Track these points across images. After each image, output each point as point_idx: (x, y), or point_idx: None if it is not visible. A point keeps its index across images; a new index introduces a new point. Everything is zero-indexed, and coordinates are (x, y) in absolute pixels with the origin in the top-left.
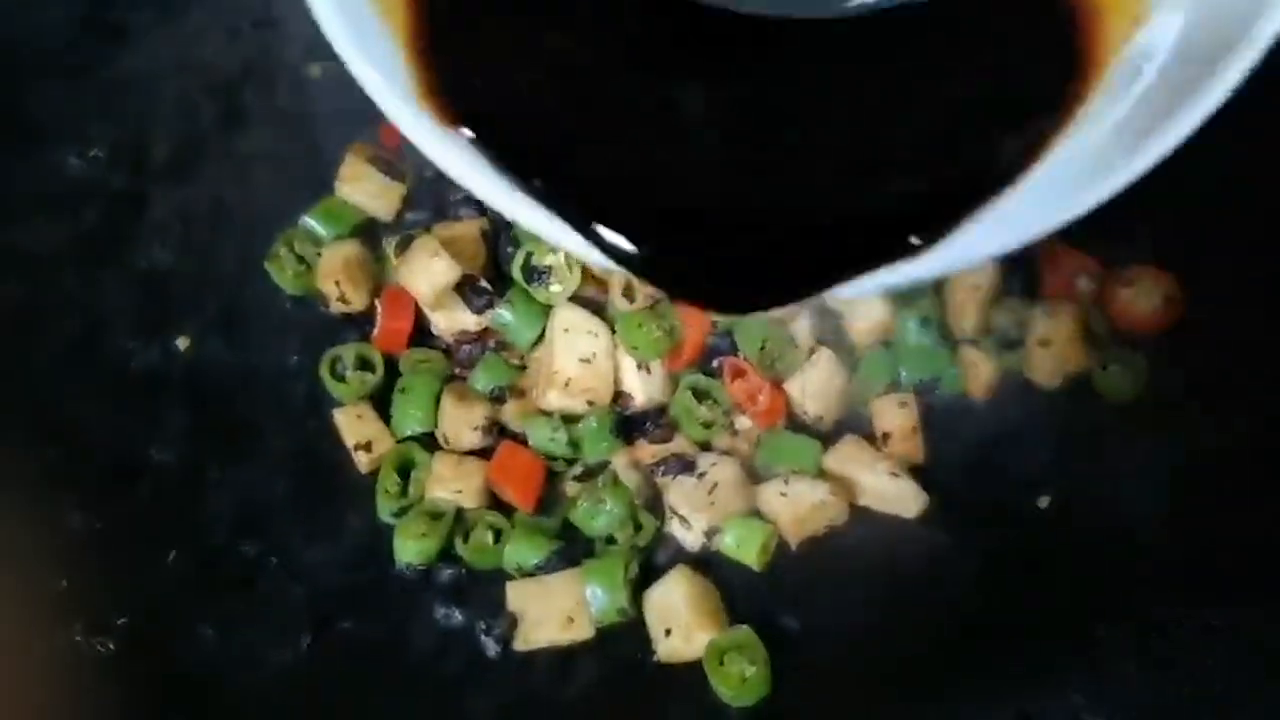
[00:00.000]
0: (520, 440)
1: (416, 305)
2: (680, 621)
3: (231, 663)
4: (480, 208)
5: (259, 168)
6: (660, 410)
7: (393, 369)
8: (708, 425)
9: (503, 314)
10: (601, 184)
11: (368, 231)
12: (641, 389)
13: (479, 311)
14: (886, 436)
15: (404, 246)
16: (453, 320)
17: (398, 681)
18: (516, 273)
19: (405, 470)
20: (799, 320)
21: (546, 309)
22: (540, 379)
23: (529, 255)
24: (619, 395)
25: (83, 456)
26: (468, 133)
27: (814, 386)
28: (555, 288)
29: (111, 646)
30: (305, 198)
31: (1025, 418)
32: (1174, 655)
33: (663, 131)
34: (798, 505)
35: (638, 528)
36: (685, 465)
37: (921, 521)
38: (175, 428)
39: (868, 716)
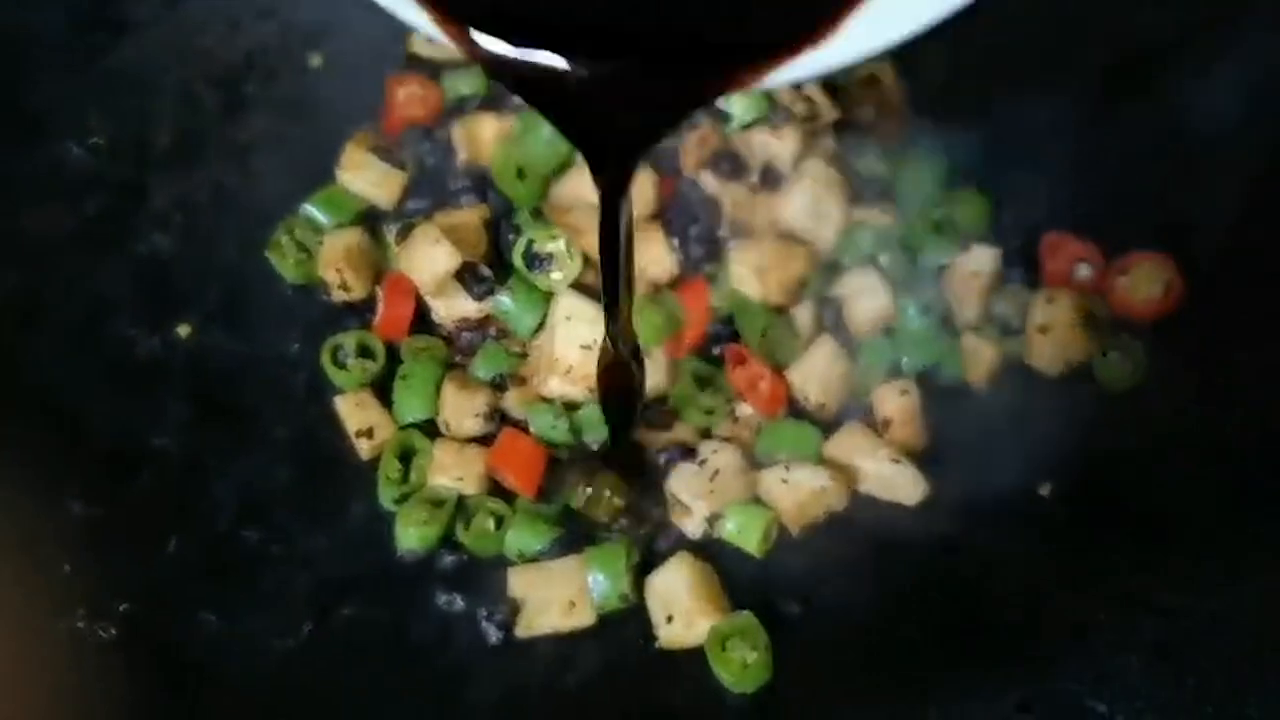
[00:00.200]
0: (521, 427)
1: (417, 293)
2: (682, 608)
3: (233, 649)
4: (482, 195)
5: (260, 156)
6: (661, 398)
7: (394, 356)
8: (709, 412)
9: (504, 301)
10: None
11: (368, 219)
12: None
13: (480, 299)
14: (887, 423)
15: (405, 234)
16: (453, 307)
17: (399, 668)
18: (518, 260)
19: (406, 457)
20: (800, 308)
21: (547, 296)
22: (541, 366)
23: (530, 243)
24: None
25: (85, 444)
26: None
27: (815, 374)
28: (556, 275)
29: (113, 632)
30: (306, 186)
31: (1026, 404)
32: (1175, 643)
33: None
34: (799, 492)
35: (639, 515)
36: (686, 452)
37: (922, 508)
38: (177, 415)
39: (869, 702)
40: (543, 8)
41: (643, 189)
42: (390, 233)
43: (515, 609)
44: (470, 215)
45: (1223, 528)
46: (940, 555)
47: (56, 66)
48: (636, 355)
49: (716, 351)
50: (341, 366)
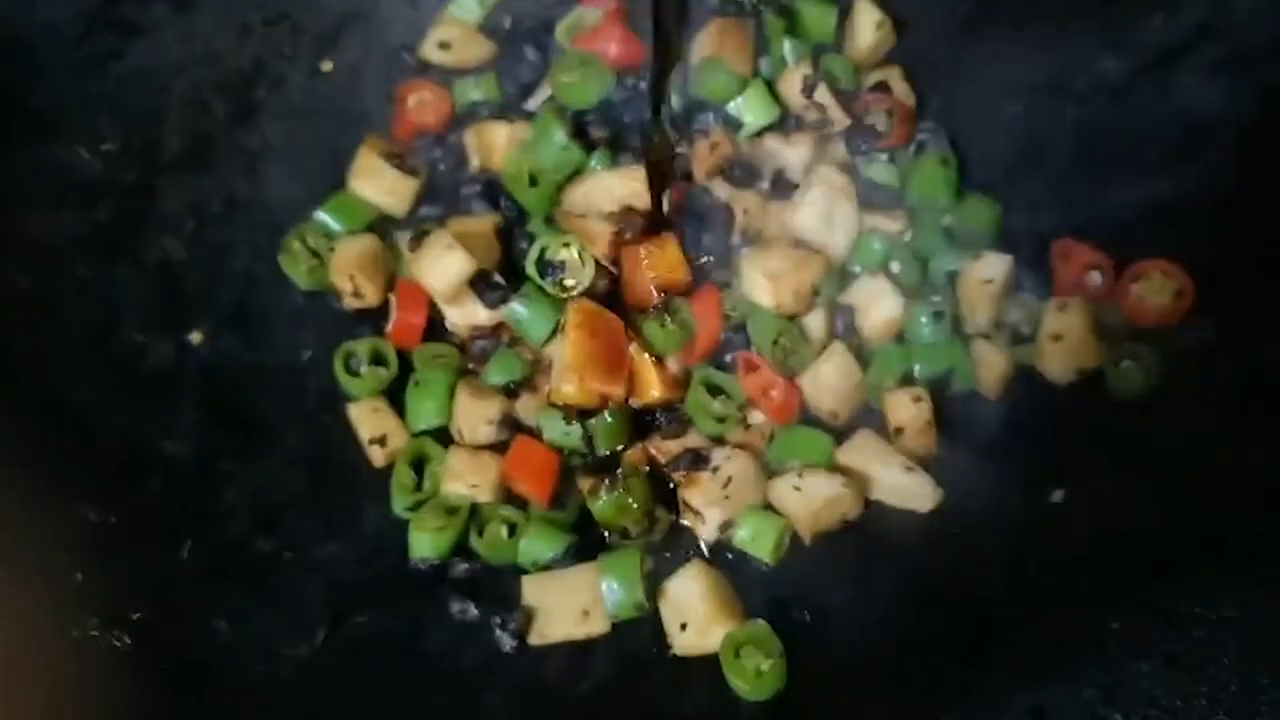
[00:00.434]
0: (534, 434)
1: (430, 300)
2: (696, 615)
3: (247, 656)
4: (494, 202)
5: (271, 163)
6: (674, 405)
7: (406, 363)
8: (721, 420)
9: (517, 309)
10: None
11: (381, 226)
12: (655, 383)
13: (492, 306)
14: (900, 431)
15: (418, 241)
16: (466, 315)
17: (413, 675)
18: (530, 268)
19: (420, 465)
20: (812, 315)
21: (560, 303)
22: (554, 374)
23: (543, 250)
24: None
25: (97, 451)
26: None
27: (827, 381)
28: (569, 282)
29: (127, 640)
30: (318, 192)
31: (1038, 412)
32: (1188, 649)
33: None
34: (812, 500)
35: (652, 521)
36: (699, 460)
37: (934, 515)
38: (189, 422)
39: (882, 710)
40: None
41: (655, 197)
42: (403, 240)
43: (529, 617)
44: (482, 222)
45: (1236, 535)
46: (952, 562)
47: (67, 72)
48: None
49: (729, 359)
50: (354, 374)
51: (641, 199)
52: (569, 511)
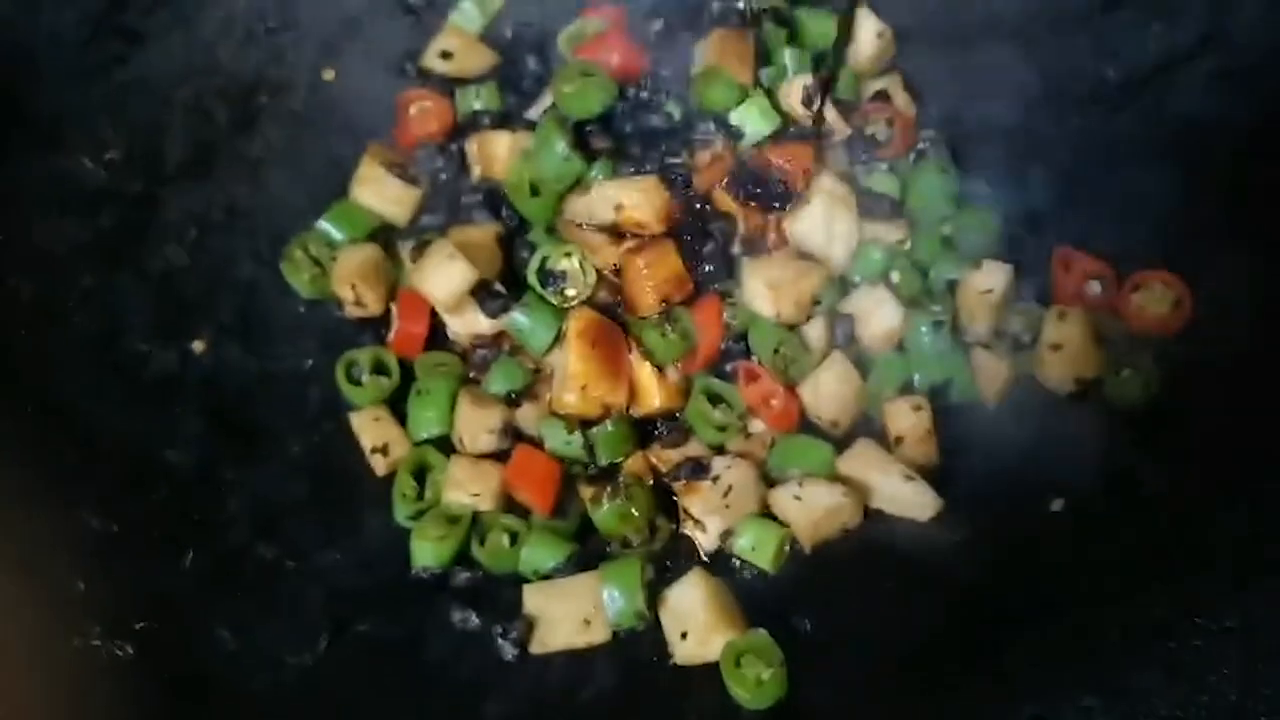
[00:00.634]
0: (535, 443)
1: (431, 309)
2: (697, 624)
3: (249, 665)
4: (495, 212)
5: (273, 171)
6: (674, 414)
7: (408, 372)
8: (722, 429)
9: (518, 318)
10: None
11: (383, 235)
12: (656, 392)
13: (494, 315)
14: (900, 440)
15: (420, 250)
16: (468, 324)
17: (415, 684)
18: (532, 277)
19: (421, 474)
20: (812, 324)
21: (561, 313)
22: (555, 383)
23: (544, 260)
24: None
25: (100, 460)
26: None
27: (827, 390)
28: (570, 292)
29: (130, 650)
30: (320, 200)
31: (1038, 421)
32: (1188, 658)
33: None
34: (812, 508)
35: (653, 530)
36: (699, 468)
37: (935, 524)
38: (191, 430)
39: (883, 718)
40: None
41: (655, 207)
42: (405, 249)
43: (530, 625)
44: (484, 232)
45: (1236, 543)
46: (952, 571)
47: (70, 80)
48: None
49: (729, 368)
50: (356, 383)
51: (643, 209)
52: (570, 521)
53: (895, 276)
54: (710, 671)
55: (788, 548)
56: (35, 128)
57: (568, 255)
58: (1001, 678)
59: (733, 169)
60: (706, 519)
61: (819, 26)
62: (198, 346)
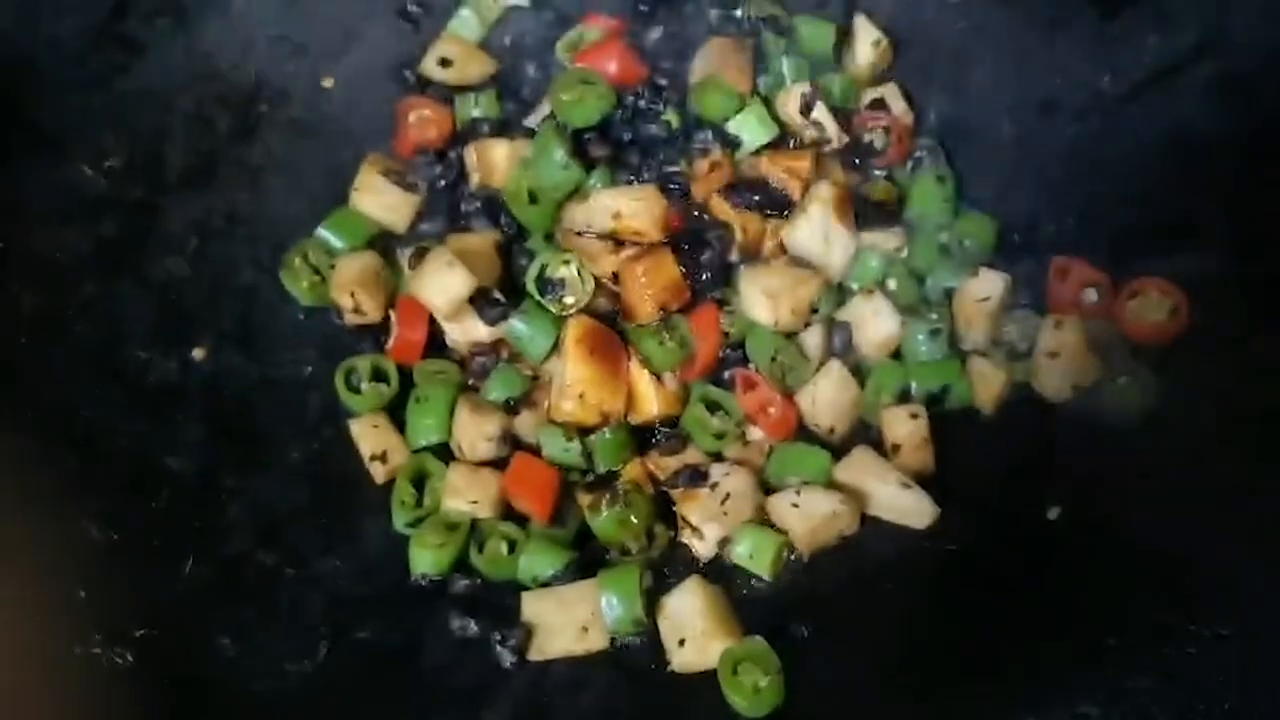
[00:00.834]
0: (534, 451)
1: (430, 316)
2: (694, 632)
3: (250, 672)
4: (494, 219)
5: (273, 179)
6: (672, 421)
7: (407, 379)
8: (719, 436)
9: (517, 325)
10: None
11: (381, 242)
12: (654, 400)
13: (493, 323)
14: (897, 448)
15: (419, 258)
16: (467, 331)
17: (414, 691)
18: (530, 285)
19: (420, 481)
20: (809, 332)
21: (560, 320)
22: (554, 391)
23: (543, 267)
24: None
25: (100, 467)
26: None
27: (825, 398)
28: (569, 300)
29: (130, 658)
30: (319, 208)
31: (1035, 429)
32: (1186, 665)
33: None
34: (810, 516)
35: (650, 538)
36: (697, 476)
37: (932, 532)
38: (192, 438)
39: None
40: None
41: (654, 215)
42: (404, 256)
43: (528, 633)
44: (483, 240)
45: (1232, 550)
46: (950, 579)
47: (70, 88)
48: None
49: (727, 375)
50: (355, 390)
51: (641, 217)
52: (568, 528)
53: (892, 284)
54: (708, 679)
55: (785, 555)
56: (36, 136)
57: (566, 263)
58: (999, 684)
59: (731, 177)
60: (704, 526)
61: (817, 35)
62: (198, 354)
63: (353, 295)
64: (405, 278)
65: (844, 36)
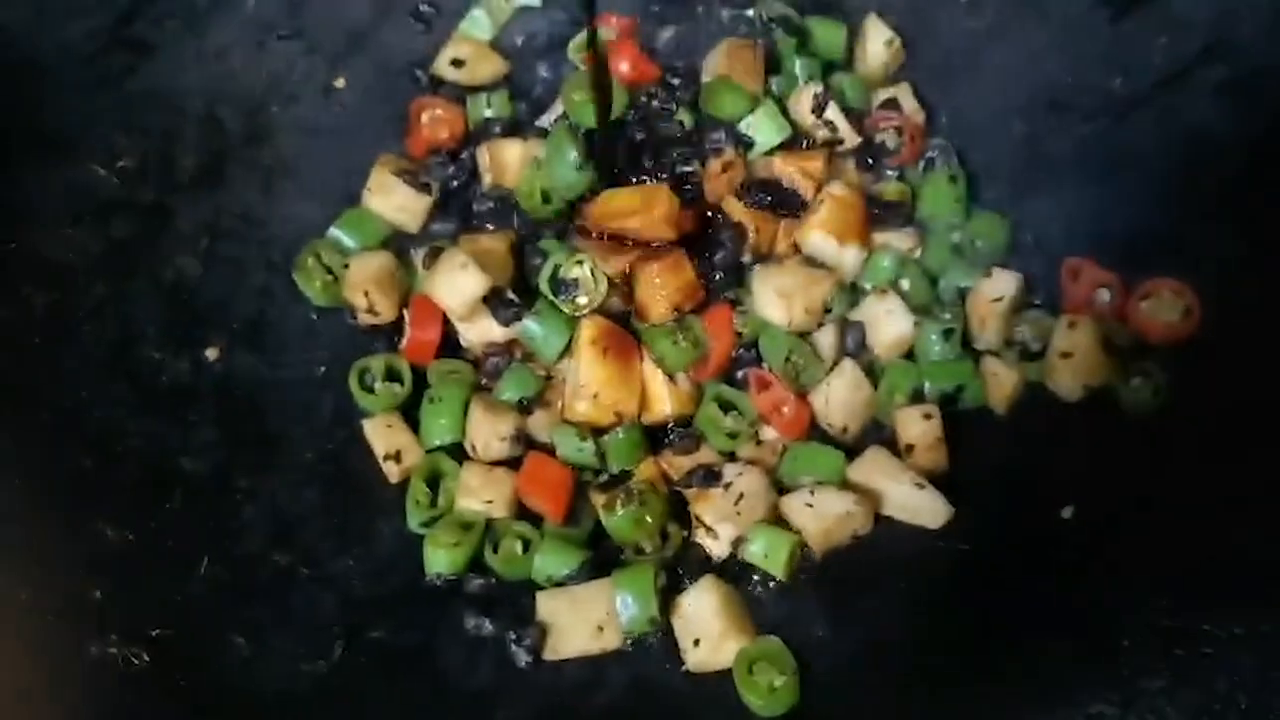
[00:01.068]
0: (547, 450)
1: (444, 316)
2: (710, 631)
3: (264, 672)
4: (507, 219)
5: (285, 179)
6: (686, 421)
7: (420, 379)
8: (733, 436)
9: (530, 325)
10: None
11: (394, 242)
12: (668, 400)
13: (506, 323)
14: (910, 448)
15: (433, 258)
16: (480, 331)
17: (429, 691)
18: (544, 285)
19: (434, 481)
20: (823, 332)
21: (573, 320)
22: (567, 390)
23: (556, 268)
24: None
25: (114, 468)
26: None
27: (838, 398)
28: (582, 300)
29: (146, 658)
30: (331, 208)
31: (1048, 429)
32: (1200, 666)
33: None
34: (824, 516)
35: (665, 537)
36: (711, 475)
37: (946, 532)
38: (205, 439)
39: None
40: None
41: (667, 215)
42: (417, 256)
43: (543, 632)
44: (497, 240)
45: (1245, 550)
46: (963, 579)
47: (81, 90)
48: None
49: (740, 375)
50: (369, 390)
51: (654, 217)
52: (582, 528)
53: (905, 284)
54: (723, 678)
55: (799, 555)
56: (48, 138)
57: (579, 263)
58: (1012, 684)
59: (743, 177)
60: (718, 526)
61: (829, 35)
62: (211, 354)
63: (366, 295)
64: (419, 278)
65: (856, 36)
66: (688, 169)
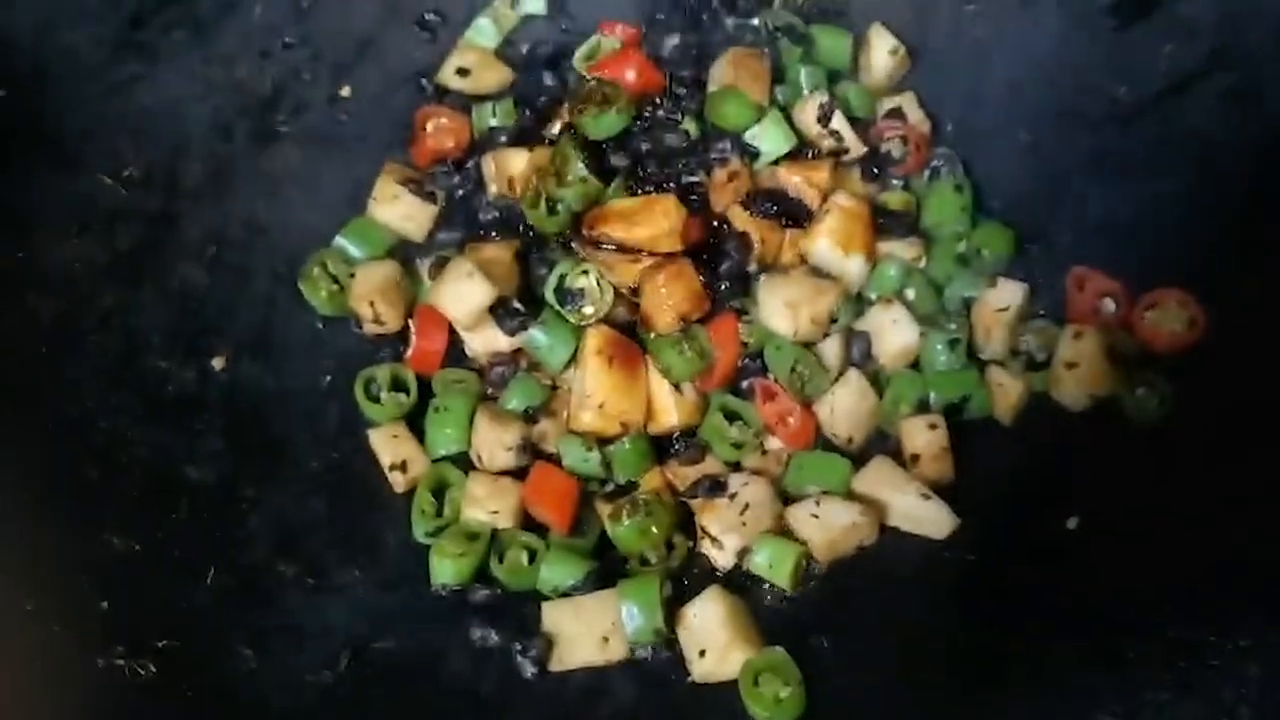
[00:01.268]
0: (553, 460)
1: (449, 325)
2: (715, 642)
3: (270, 683)
4: (513, 229)
5: (291, 188)
6: (691, 431)
7: (426, 389)
8: (738, 446)
9: (536, 335)
10: None
11: (400, 251)
12: (673, 410)
13: (512, 333)
14: (916, 458)
15: (439, 268)
16: (486, 341)
17: (434, 702)
18: (550, 295)
19: (440, 491)
20: (828, 342)
21: (579, 331)
22: (573, 400)
23: (562, 277)
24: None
25: (120, 478)
26: None
27: (843, 408)
28: (588, 310)
29: (152, 669)
30: (337, 217)
31: (1053, 439)
32: (1203, 677)
33: None
34: (829, 526)
35: (670, 548)
36: (716, 486)
37: (951, 542)
38: (211, 448)
39: None
40: None
41: (672, 225)
42: (423, 265)
43: (549, 643)
44: (501, 249)
45: (1251, 561)
46: (969, 589)
47: (88, 99)
48: None
49: (746, 385)
50: (375, 400)
51: (660, 227)
52: (588, 538)
53: (910, 294)
54: (728, 689)
55: (804, 565)
56: (53, 147)
57: (585, 273)
58: (1018, 695)
59: (749, 187)
60: (724, 536)
61: (834, 44)
62: (217, 364)
63: (372, 305)
64: (424, 287)
65: (860, 45)
66: (693, 179)
